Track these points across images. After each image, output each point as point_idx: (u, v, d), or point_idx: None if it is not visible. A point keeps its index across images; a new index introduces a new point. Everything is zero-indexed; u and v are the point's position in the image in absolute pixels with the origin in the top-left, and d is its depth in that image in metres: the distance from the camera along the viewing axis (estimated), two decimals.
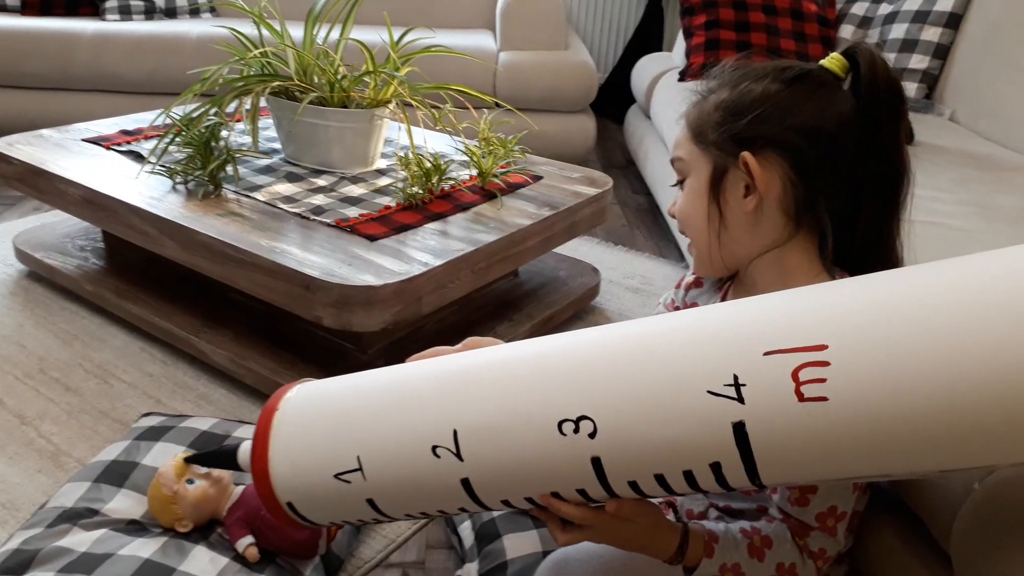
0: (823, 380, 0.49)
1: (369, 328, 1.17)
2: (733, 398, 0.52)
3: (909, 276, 0.52)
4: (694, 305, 0.90)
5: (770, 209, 0.75)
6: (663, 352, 0.56)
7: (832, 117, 0.74)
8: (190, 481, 0.95)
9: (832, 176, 0.74)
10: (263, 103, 1.58)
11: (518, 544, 0.95)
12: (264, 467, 0.69)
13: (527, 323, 1.52)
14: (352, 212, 1.39)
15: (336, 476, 0.67)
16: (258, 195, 1.44)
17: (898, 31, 2.11)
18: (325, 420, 0.69)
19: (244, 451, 0.76)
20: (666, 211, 0.90)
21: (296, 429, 0.69)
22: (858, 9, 2.27)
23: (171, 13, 2.77)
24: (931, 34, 2.05)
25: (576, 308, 1.68)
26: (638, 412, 0.56)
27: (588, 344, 0.61)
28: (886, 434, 0.49)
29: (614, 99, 3.42)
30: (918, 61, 2.05)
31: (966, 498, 0.68)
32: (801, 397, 0.50)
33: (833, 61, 0.75)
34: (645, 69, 2.72)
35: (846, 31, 2.27)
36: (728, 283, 0.86)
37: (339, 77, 1.56)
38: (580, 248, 1.98)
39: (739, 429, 0.52)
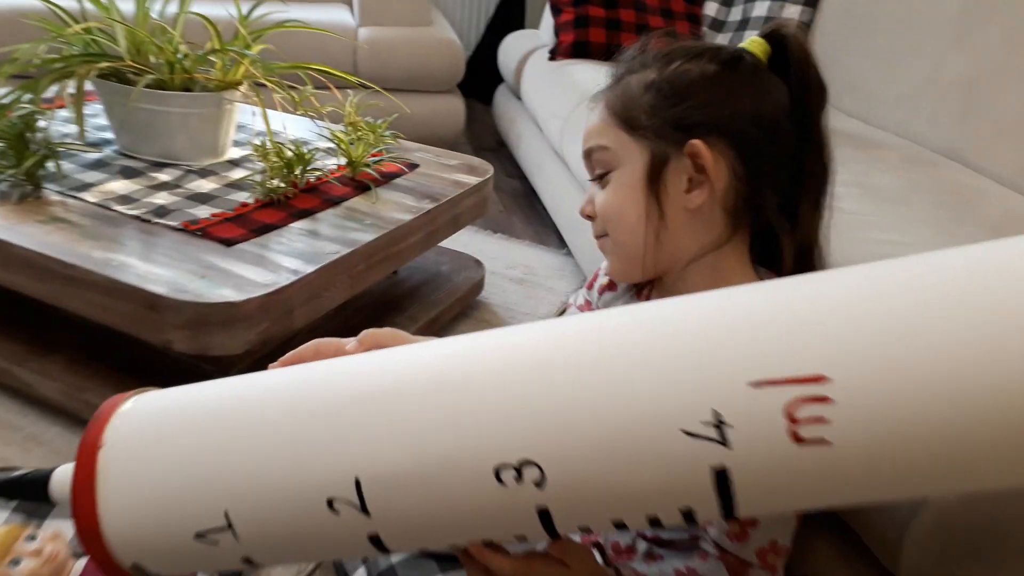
0: (825, 420, 0.41)
1: (231, 351, 1.01)
2: (714, 440, 0.43)
3: (897, 279, 0.44)
4: None
5: (713, 204, 0.67)
6: (622, 377, 0.45)
7: (772, 104, 0.67)
8: (15, 562, 0.77)
9: (775, 169, 0.67)
10: (89, 87, 1.36)
11: None
12: (93, 523, 0.50)
13: (411, 326, 1.40)
14: (203, 212, 1.22)
15: (197, 536, 0.51)
16: (88, 195, 1.23)
17: (760, 8, 2.12)
18: (174, 457, 0.50)
19: (60, 481, 0.54)
20: (577, 210, 0.78)
21: (134, 468, 0.51)
22: None
23: None
24: (792, 11, 2.07)
25: (462, 305, 1.57)
26: (595, 456, 0.45)
27: (525, 362, 0.48)
28: (893, 471, 0.41)
29: (479, 78, 3.31)
30: None
31: (913, 517, 0.63)
32: (798, 439, 0.41)
33: (755, 45, 0.68)
34: (512, 47, 2.63)
35: (711, 8, 2.27)
36: (647, 288, 0.78)
37: (180, 56, 1.36)
38: (458, 238, 1.86)
39: (721, 475, 0.43)
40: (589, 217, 0.75)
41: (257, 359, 1.22)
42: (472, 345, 0.51)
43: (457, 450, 0.47)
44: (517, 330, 0.52)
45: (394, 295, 1.50)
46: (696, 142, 0.65)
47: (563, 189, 1.92)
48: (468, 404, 0.47)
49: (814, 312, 0.44)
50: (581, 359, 0.47)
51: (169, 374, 1.19)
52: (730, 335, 0.44)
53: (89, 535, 0.50)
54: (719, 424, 0.42)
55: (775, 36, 0.68)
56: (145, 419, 0.52)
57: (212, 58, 1.38)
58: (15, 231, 1.10)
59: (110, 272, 1.01)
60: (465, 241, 1.88)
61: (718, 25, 2.22)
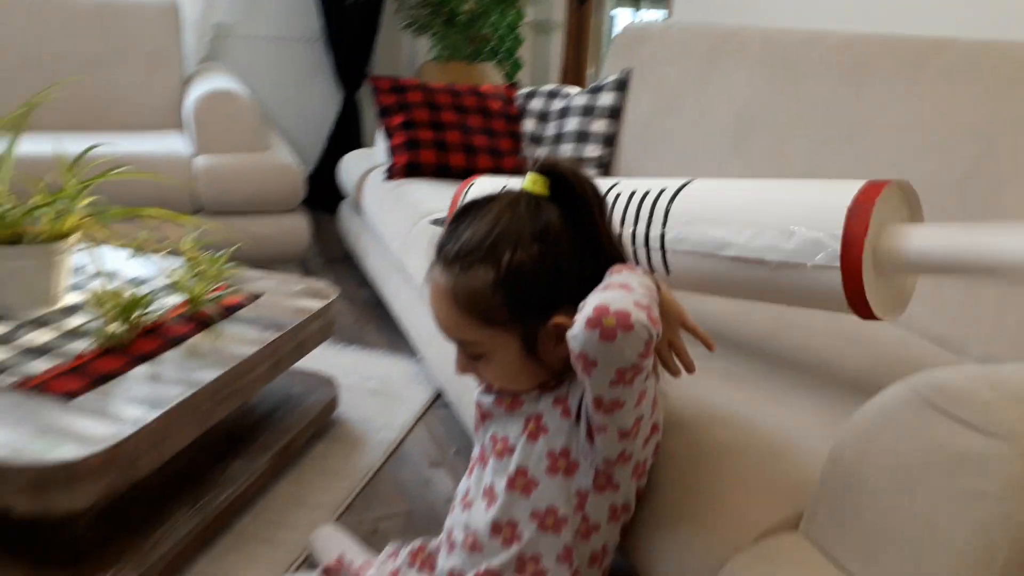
0: None
1: (75, 507, 1.01)
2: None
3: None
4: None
5: None
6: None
7: (578, 249, 0.83)
8: None
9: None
10: None
11: None
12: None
13: (264, 455, 1.42)
14: (39, 366, 1.21)
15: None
16: None
17: (572, 124, 2.36)
18: None
19: None
20: (454, 370, 0.93)
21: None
22: (535, 105, 2.51)
23: None
24: (599, 126, 2.32)
25: (316, 426, 1.61)
26: None
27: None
28: None
29: (323, 190, 3.41)
30: (592, 150, 2.31)
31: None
32: None
33: (537, 184, 0.82)
34: (351, 166, 2.75)
35: (529, 124, 2.49)
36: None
37: (6, 208, 1.36)
38: (314, 353, 1.91)
39: None
40: (476, 376, 0.89)
41: (101, 509, 1.21)
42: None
43: None
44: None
45: (244, 425, 1.52)
46: (559, 320, 0.80)
47: (410, 300, 2.02)
48: None
49: None
50: None
51: (11, 532, 1.16)
52: None
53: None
54: None
55: (547, 170, 0.83)
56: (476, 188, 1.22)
57: (38, 213, 1.39)
58: None
59: None
60: (317, 355, 1.91)
61: (536, 139, 2.44)
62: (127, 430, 1.06)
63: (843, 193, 0.89)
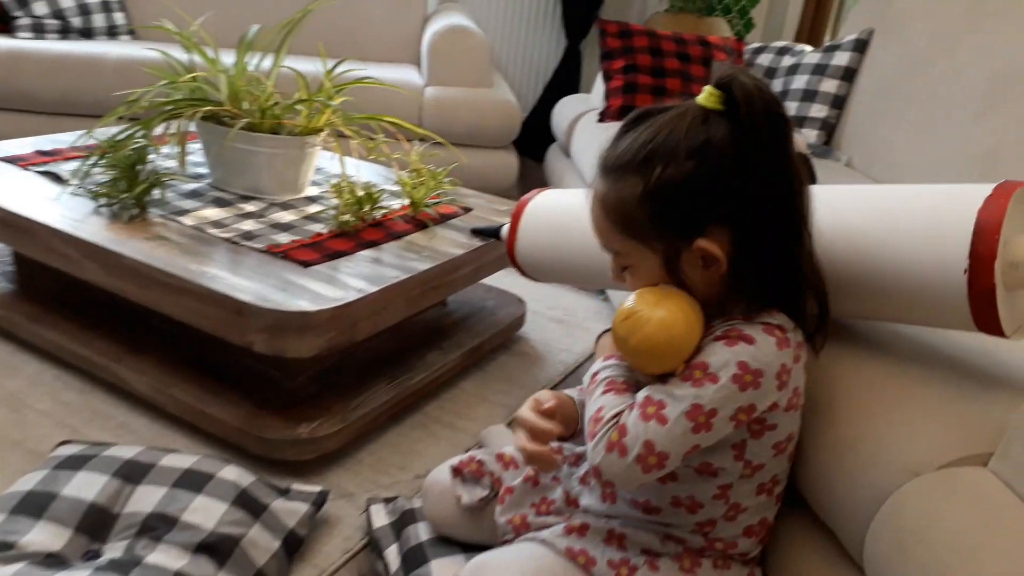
0: None
1: (303, 354, 1.17)
2: None
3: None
4: None
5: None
6: None
7: (742, 168, 0.74)
8: None
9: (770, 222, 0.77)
10: (191, 127, 1.56)
11: (444, 568, 0.96)
12: (511, 247, 1.26)
13: (456, 351, 1.54)
14: (283, 238, 1.39)
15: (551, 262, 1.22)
16: (185, 219, 1.42)
17: (799, 82, 2.27)
18: (546, 220, 1.23)
19: (504, 230, 1.30)
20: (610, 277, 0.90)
21: (531, 224, 1.24)
22: (763, 60, 2.43)
23: (87, 34, 2.70)
24: (829, 86, 2.21)
25: (503, 338, 1.71)
26: None
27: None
28: None
29: (533, 138, 3.51)
30: (817, 110, 2.21)
31: (876, 510, 0.74)
32: None
33: (711, 98, 0.76)
34: (565, 109, 2.82)
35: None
36: None
37: (271, 104, 1.56)
38: (506, 280, 2.01)
39: None
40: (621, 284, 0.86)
41: (318, 370, 1.38)
42: None
43: None
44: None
45: (443, 324, 1.65)
46: (702, 243, 0.75)
47: None
48: None
49: None
50: None
51: (241, 378, 1.36)
52: None
53: (510, 252, 1.25)
54: None
55: (723, 83, 0.75)
56: (538, 203, 1.24)
57: (299, 107, 1.58)
58: (125, 245, 1.28)
59: (204, 282, 1.18)
60: (511, 282, 2.02)
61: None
62: (352, 296, 1.20)
63: (969, 202, 0.77)
